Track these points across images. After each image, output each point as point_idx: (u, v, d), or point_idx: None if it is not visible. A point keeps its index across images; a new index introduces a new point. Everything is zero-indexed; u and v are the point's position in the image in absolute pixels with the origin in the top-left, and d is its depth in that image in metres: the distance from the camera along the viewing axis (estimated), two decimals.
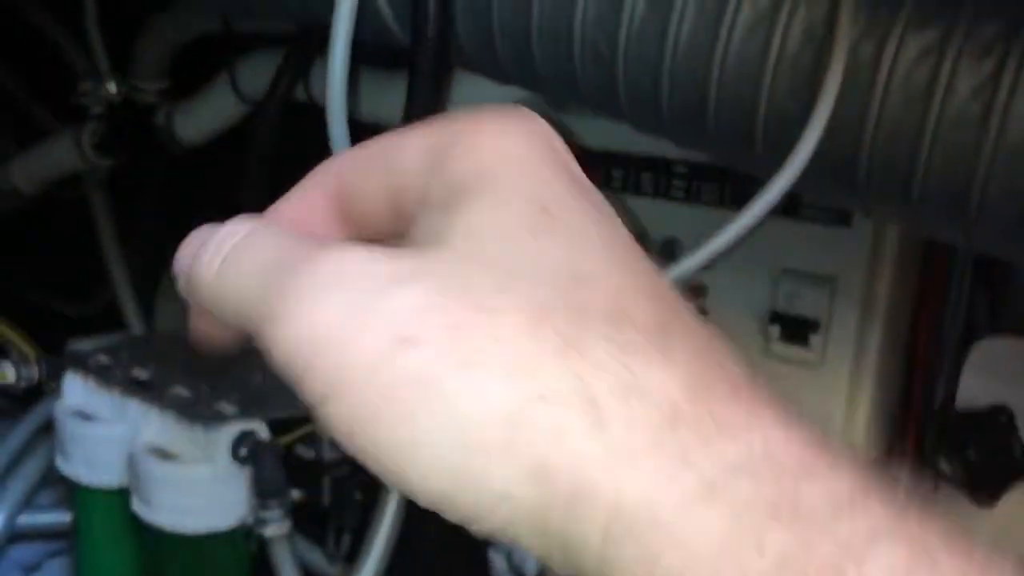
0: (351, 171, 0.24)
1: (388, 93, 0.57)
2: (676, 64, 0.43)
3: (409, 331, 0.19)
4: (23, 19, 0.88)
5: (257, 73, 0.75)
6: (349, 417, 0.20)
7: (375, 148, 0.24)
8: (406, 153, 0.23)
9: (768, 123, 0.42)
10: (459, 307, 0.20)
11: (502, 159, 0.22)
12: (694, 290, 0.57)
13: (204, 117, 0.81)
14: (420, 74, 0.43)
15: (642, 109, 0.45)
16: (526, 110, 0.23)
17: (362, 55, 0.47)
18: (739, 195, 0.57)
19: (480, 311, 0.20)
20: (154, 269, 0.89)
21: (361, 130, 0.48)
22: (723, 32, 0.42)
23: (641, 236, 0.60)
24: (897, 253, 0.55)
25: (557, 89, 0.48)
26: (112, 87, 0.83)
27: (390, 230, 0.24)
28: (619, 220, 0.22)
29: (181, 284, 0.24)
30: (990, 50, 0.38)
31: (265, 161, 0.69)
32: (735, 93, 0.42)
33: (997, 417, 0.52)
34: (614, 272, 0.21)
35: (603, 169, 0.60)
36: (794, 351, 0.56)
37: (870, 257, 0.55)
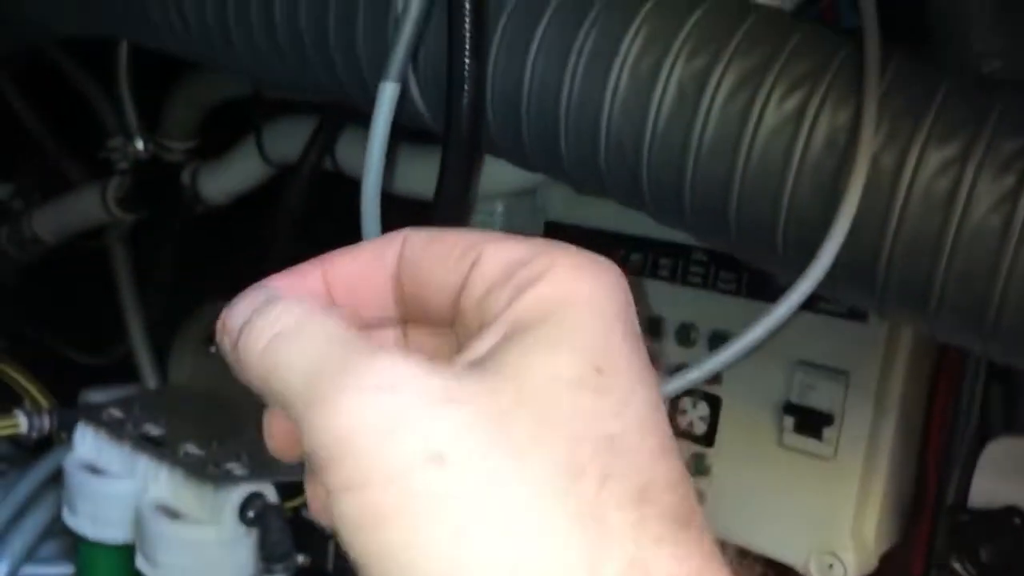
0: (425, 257, 0.25)
1: (420, 168, 0.58)
2: (699, 163, 0.44)
3: (440, 449, 0.20)
4: (58, 74, 0.90)
5: (283, 138, 0.76)
6: (360, 513, 0.20)
7: (455, 243, 0.24)
8: (486, 262, 0.23)
9: (789, 225, 0.43)
10: (494, 442, 0.20)
11: (571, 303, 0.22)
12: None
13: (229, 178, 0.82)
14: (452, 162, 0.44)
15: (665, 204, 0.46)
16: (604, 258, 0.23)
17: (393, 128, 0.48)
18: (756, 284, 0.58)
19: (512, 453, 0.20)
20: (170, 324, 0.89)
21: (392, 203, 0.49)
22: (747, 135, 0.43)
23: (656, 321, 0.60)
24: (912, 349, 0.55)
25: (582, 180, 0.49)
26: (140, 144, 0.84)
27: (442, 319, 0.24)
28: (657, 379, 0.23)
29: (226, 344, 0.24)
30: (1010, 166, 0.39)
31: (294, 227, 0.70)
32: (757, 195, 0.43)
33: (1011, 518, 0.52)
34: (648, 441, 0.21)
35: (622, 252, 0.61)
36: (807, 443, 0.56)
37: (885, 352, 0.55)
